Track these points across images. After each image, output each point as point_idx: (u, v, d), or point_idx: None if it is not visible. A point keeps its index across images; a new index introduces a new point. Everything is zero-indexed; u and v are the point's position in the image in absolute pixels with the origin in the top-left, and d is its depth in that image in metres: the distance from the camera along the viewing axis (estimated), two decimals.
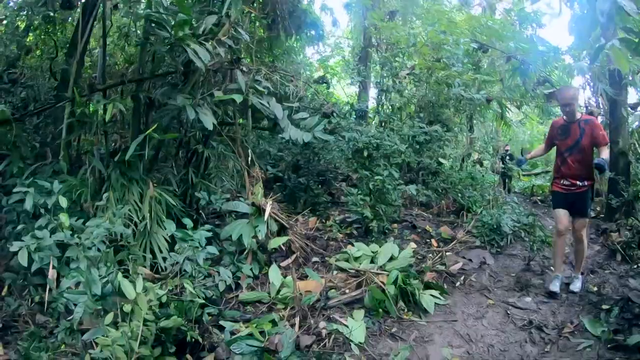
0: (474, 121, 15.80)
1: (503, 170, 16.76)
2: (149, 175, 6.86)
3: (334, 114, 9.71)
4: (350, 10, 19.44)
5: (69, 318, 4.78)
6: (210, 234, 6.17)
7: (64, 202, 5.17)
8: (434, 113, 13.00)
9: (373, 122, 13.69)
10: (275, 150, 11.43)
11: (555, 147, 7.49)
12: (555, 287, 7.02)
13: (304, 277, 6.86)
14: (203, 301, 5.23)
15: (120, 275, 4.70)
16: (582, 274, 7.50)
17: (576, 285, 7.16)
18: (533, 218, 10.37)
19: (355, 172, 9.90)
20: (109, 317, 4.32)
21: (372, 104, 16.91)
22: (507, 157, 18.61)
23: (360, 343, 5.27)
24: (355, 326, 5.44)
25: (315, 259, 7.76)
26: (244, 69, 7.26)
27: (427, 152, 11.23)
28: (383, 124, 12.09)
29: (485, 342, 5.67)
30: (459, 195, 11.57)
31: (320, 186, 10.81)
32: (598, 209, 12.58)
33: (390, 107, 13.23)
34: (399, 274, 6.34)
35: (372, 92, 18.09)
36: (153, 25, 6.01)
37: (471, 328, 6.00)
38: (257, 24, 11.73)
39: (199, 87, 7.13)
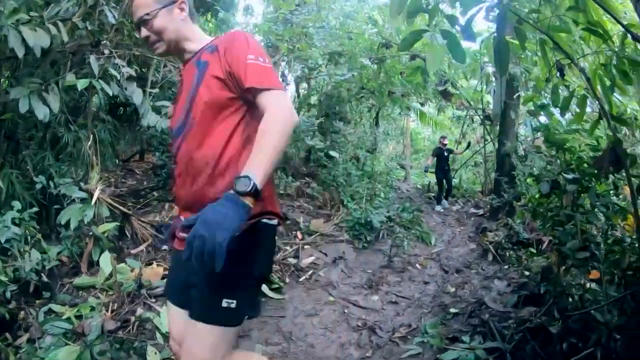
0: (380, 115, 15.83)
1: (441, 168, 15.32)
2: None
3: None
4: None
5: None
6: (18, 216, 5.97)
7: None
8: (331, 106, 12.98)
9: None
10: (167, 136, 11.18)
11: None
12: None
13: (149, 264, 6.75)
14: (4, 279, 5.08)
15: None
16: None
17: None
18: (415, 214, 10.48)
19: None
20: None
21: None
22: (445, 153, 15.61)
23: (167, 333, 5.16)
24: None
25: (165, 247, 7.52)
26: (106, 52, 7.08)
27: (296, 142, 11.11)
28: None
29: (307, 341, 5.45)
30: (338, 189, 11.46)
31: None
32: (489, 206, 12.69)
33: None
34: None
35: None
36: None
37: (297, 326, 5.79)
38: None
39: (59, 70, 6.97)
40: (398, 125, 21.36)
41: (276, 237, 2.76)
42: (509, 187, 10.43)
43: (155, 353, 4.75)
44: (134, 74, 7.13)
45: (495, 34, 4.10)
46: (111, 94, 6.78)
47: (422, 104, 17.60)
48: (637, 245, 4.31)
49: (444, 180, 15.30)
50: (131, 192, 9.54)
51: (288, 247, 7.97)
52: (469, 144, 16.85)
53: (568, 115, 6.08)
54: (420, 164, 23.47)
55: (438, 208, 14.36)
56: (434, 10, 4.25)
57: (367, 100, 13.86)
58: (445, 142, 15.96)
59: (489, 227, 10.32)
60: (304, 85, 15.14)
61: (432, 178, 18.06)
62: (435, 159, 15.42)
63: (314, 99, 14.83)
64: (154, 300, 5.83)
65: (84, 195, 6.70)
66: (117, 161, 10.84)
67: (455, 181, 16.75)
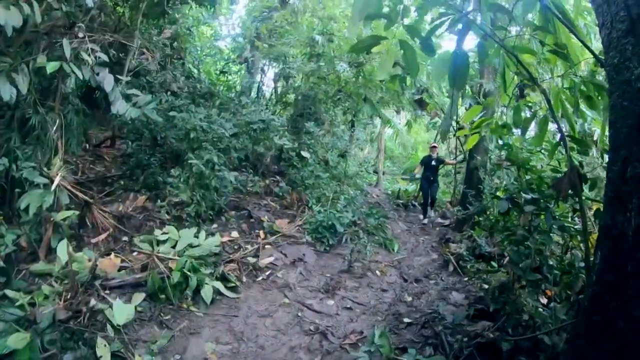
0: (356, 119, 15.69)
1: (426, 178, 13.53)
2: None
3: (168, 92, 9.54)
4: None
5: None
6: None
7: None
8: (307, 106, 12.91)
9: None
10: (140, 124, 10.97)
11: None
12: None
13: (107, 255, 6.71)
14: None
15: None
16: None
17: None
18: (381, 220, 10.47)
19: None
20: None
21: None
22: (433, 162, 13.41)
23: (119, 325, 5.08)
24: (121, 308, 5.25)
25: (125, 238, 7.42)
26: (81, 35, 7.00)
27: (265, 140, 10.99)
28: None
29: (258, 342, 5.45)
30: (306, 190, 11.38)
31: (174, 166, 10.53)
32: (455, 218, 12.67)
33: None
34: (188, 260, 6.14)
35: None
36: None
37: (250, 326, 5.78)
38: None
39: (32, 50, 6.88)
40: (374, 130, 21.17)
41: None
42: (475, 200, 10.46)
43: (105, 345, 4.75)
44: (107, 59, 7.07)
45: (455, 48, 4.08)
46: (82, 78, 6.71)
47: (397, 112, 17.59)
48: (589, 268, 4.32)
49: (426, 192, 13.49)
50: (98, 179, 9.40)
51: (249, 246, 7.93)
52: (464, 157, 15.43)
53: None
54: (393, 170, 23.44)
55: (424, 221, 13.34)
56: (393, 15, 4.24)
57: (343, 102, 13.80)
58: (435, 145, 14.15)
59: (453, 238, 10.35)
60: (283, 82, 15.14)
61: (403, 185, 17.99)
62: (423, 167, 13.70)
63: (291, 97, 14.78)
64: (107, 291, 5.78)
65: (45, 180, 6.62)
66: (87, 146, 10.66)
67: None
